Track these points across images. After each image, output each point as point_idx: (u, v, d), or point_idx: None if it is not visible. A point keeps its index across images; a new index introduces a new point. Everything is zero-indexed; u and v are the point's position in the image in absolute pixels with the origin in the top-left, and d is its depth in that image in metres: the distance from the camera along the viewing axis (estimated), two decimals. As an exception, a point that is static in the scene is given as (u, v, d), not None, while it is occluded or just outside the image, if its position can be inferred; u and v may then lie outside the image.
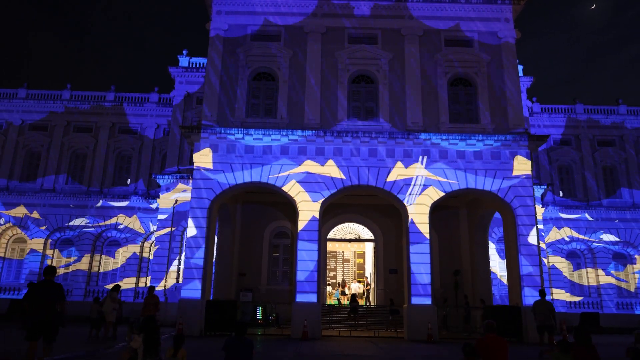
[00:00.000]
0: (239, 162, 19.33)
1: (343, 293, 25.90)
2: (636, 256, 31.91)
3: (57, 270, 31.22)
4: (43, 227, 31.43)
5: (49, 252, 31.89)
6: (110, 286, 25.90)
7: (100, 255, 31.94)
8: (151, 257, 30.02)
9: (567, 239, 31.52)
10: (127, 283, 30.35)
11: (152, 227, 30.75)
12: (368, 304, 24.79)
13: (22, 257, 32.05)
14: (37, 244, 31.53)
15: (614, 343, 16.97)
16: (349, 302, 23.30)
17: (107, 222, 31.46)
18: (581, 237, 31.58)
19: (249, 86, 20.85)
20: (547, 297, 24.06)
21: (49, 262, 31.64)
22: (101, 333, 15.88)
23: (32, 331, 8.58)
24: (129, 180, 32.60)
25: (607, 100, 68.82)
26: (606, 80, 77.99)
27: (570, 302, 30.07)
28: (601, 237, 31.54)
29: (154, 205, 30.77)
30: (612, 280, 31.31)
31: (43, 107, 33.66)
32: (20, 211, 31.55)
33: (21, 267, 31.81)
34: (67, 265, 31.74)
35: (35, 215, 31.50)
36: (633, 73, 75.72)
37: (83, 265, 31.08)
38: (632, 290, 31.32)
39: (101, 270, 31.66)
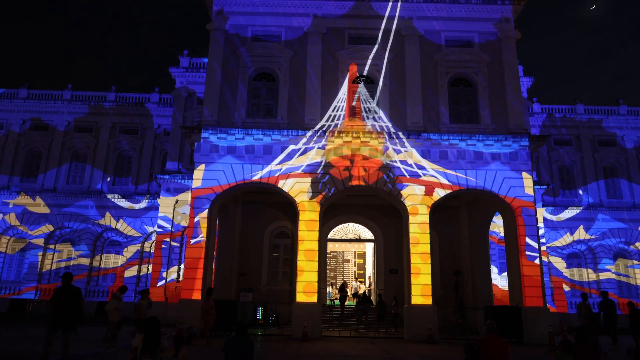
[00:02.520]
0: (239, 162, 19.33)
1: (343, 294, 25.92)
2: (635, 257, 31.94)
3: (58, 271, 31.48)
4: (43, 227, 31.47)
5: (49, 251, 31.94)
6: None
7: (100, 255, 31.95)
8: (151, 257, 30.01)
9: (567, 239, 31.52)
10: (128, 283, 30.34)
11: (153, 227, 30.77)
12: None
13: (22, 256, 32.06)
14: (37, 243, 31.58)
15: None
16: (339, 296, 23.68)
17: (108, 222, 31.49)
18: (581, 237, 31.57)
19: (250, 86, 20.84)
20: (547, 297, 24.10)
21: (48, 261, 31.71)
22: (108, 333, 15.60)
23: (53, 326, 10.19)
24: (129, 179, 32.63)
25: (608, 100, 68.85)
26: (606, 80, 78.04)
27: (570, 302, 30.04)
28: (601, 237, 31.54)
29: (154, 206, 30.78)
30: (612, 281, 31.30)
31: (44, 107, 33.75)
32: (20, 211, 31.57)
33: (21, 266, 31.83)
34: (67, 265, 31.77)
35: (36, 214, 31.52)
36: (633, 73, 75.76)
37: (83, 265, 31.08)
38: (632, 289, 31.32)
39: (101, 270, 31.67)
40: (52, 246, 32.04)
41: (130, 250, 31.37)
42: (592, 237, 31.54)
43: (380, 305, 21.00)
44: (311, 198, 19.05)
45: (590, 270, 31.91)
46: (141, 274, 31.05)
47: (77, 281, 30.55)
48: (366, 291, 25.75)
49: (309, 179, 19.22)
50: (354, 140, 19.49)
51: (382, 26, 21.36)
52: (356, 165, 19.43)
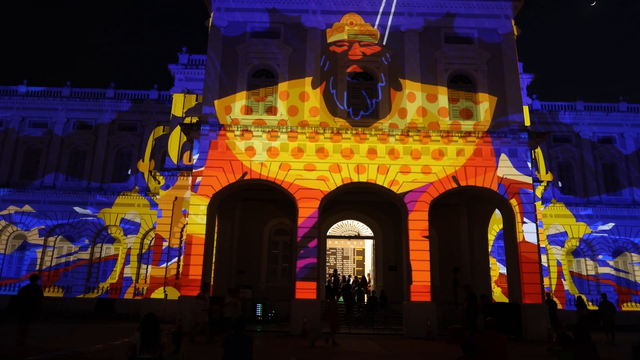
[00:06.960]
0: (238, 158, 19.30)
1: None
2: (634, 254, 32.00)
3: (58, 268, 31.51)
4: (43, 224, 31.47)
5: (48, 248, 31.95)
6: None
7: (100, 252, 31.97)
8: (151, 253, 30.02)
9: (566, 236, 31.54)
10: (126, 280, 30.41)
11: (152, 224, 30.77)
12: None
13: (22, 253, 32.08)
14: (36, 240, 31.58)
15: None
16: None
17: (107, 219, 31.51)
18: (580, 234, 31.60)
19: (249, 83, 20.78)
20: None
21: (48, 258, 31.73)
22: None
23: (22, 317, 12.38)
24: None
25: (608, 97, 68.79)
26: (607, 77, 77.93)
27: (569, 299, 30.10)
28: (601, 234, 31.58)
29: (153, 202, 30.79)
30: (611, 278, 31.36)
31: (43, 104, 33.69)
32: (20, 208, 31.57)
33: (21, 263, 31.85)
34: (66, 262, 31.80)
35: (36, 211, 31.52)
36: (634, 70, 75.66)
37: (83, 261, 31.13)
38: (631, 286, 31.39)
39: (101, 266, 31.70)
40: (51, 243, 32.04)
41: (130, 246, 31.37)
42: (591, 233, 31.57)
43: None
44: (310, 195, 19.03)
45: (589, 268, 31.95)
46: (140, 270, 31.07)
47: (76, 277, 30.66)
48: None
49: (308, 176, 19.19)
50: (353, 136, 19.47)
51: (382, 22, 21.29)
52: (355, 162, 19.40)
